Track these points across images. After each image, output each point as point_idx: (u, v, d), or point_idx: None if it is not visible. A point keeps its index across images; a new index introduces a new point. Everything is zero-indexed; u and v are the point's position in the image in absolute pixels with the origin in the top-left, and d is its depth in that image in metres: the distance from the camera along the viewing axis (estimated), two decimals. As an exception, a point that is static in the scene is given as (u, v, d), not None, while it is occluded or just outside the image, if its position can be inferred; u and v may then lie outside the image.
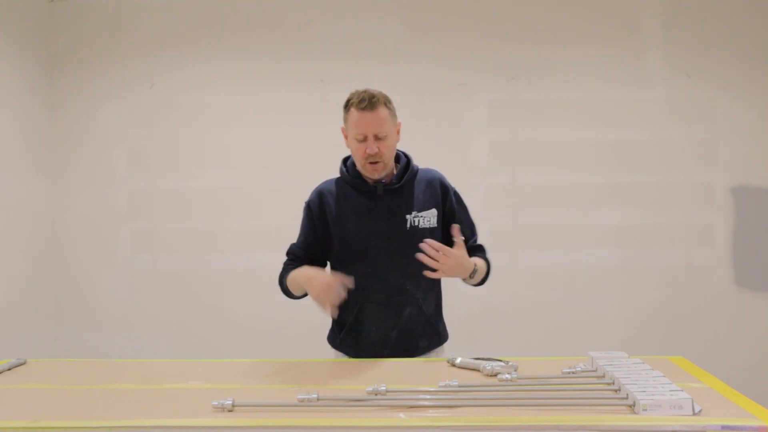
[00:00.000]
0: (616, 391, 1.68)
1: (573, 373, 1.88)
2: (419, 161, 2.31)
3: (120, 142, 3.85)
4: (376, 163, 2.13)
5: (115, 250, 3.85)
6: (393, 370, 2.02)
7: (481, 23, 3.75)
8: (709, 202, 3.71)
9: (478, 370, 1.94)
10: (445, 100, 3.73)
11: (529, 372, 1.90)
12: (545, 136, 3.75)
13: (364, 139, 2.11)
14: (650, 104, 3.72)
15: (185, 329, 3.81)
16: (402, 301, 2.16)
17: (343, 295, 2.04)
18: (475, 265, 2.13)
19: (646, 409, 1.52)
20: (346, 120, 2.16)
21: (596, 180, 3.73)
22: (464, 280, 2.17)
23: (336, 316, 2.20)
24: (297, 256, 2.31)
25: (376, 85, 3.74)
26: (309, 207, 2.29)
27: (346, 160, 2.30)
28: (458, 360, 2.02)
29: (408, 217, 2.18)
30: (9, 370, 2.11)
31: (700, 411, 1.53)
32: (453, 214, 2.24)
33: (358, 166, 2.20)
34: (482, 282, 2.26)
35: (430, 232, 2.17)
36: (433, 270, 2.01)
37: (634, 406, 1.56)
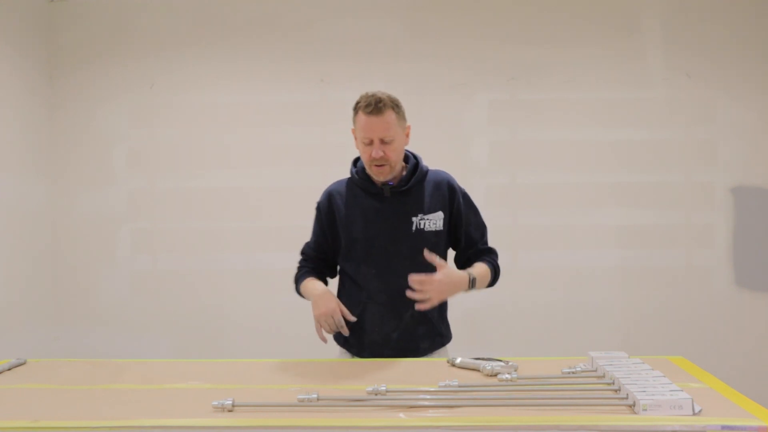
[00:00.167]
0: (616, 391, 1.68)
1: (573, 373, 1.88)
2: (419, 161, 2.31)
3: (120, 142, 3.85)
4: (381, 166, 2.15)
5: (115, 250, 3.85)
6: (393, 370, 2.02)
7: (481, 23, 3.75)
8: (709, 202, 3.71)
9: (478, 370, 1.94)
10: (445, 100, 3.73)
11: (529, 372, 1.90)
12: (545, 136, 3.75)
13: (371, 143, 2.12)
14: (650, 104, 3.72)
15: (185, 329, 3.81)
16: (404, 304, 2.15)
17: (345, 328, 2.15)
18: (470, 275, 2.13)
19: (646, 409, 1.52)
20: (354, 122, 2.18)
21: (596, 180, 3.73)
22: (467, 291, 2.17)
23: (326, 341, 2.24)
24: (309, 257, 2.38)
25: (376, 85, 3.75)
26: (319, 209, 2.33)
27: (356, 161, 2.31)
28: (458, 360, 2.02)
29: (414, 219, 2.19)
30: (9, 370, 2.11)
31: (700, 411, 1.53)
32: (460, 217, 2.24)
33: (366, 168, 2.22)
34: (492, 284, 2.27)
35: (435, 235, 2.19)
36: (423, 301, 2.04)
37: (634, 406, 1.56)
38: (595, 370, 1.88)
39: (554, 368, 1.93)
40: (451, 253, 2.35)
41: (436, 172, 2.29)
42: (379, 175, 2.17)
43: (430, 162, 2.35)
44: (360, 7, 3.78)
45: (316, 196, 3.82)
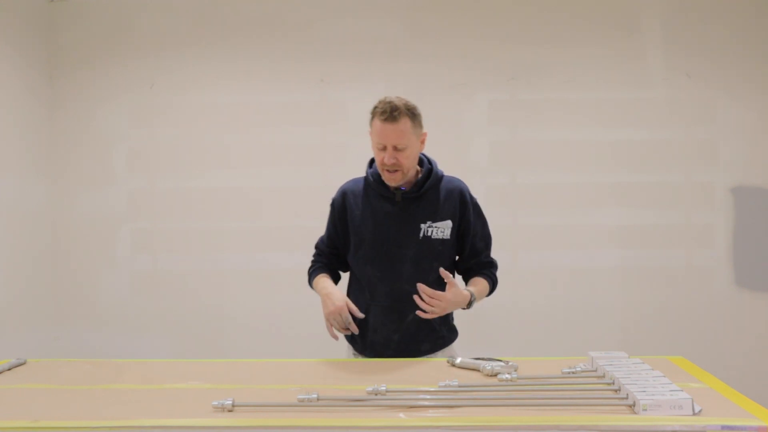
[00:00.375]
0: (616, 391, 1.68)
1: (573, 373, 1.88)
2: (419, 161, 2.31)
3: (120, 142, 3.85)
4: (394, 171, 2.17)
5: (115, 250, 3.85)
6: (393, 370, 2.03)
7: (481, 23, 3.75)
8: (709, 202, 3.71)
9: (478, 370, 1.94)
10: (445, 100, 3.73)
11: (529, 372, 1.90)
12: (545, 136, 3.75)
13: (384, 149, 2.15)
14: (650, 104, 3.72)
15: (185, 329, 3.81)
16: (406, 307, 2.18)
17: (354, 325, 2.17)
18: (471, 294, 2.19)
19: (646, 409, 1.52)
20: (370, 125, 2.20)
21: (596, 180, 3.73)
22: (465, 308, 2.22)
23: (336, 339, 2.27)
24: (323, 252, 2.41)
25: (376, 85, 3.78)
26: (333, 205, 2.36)
27: (372, 162, 2.32)
28: (458, 360, 2.03)
29: (422, 226, 2.22)
30: (9, 370, 2.11)
31: (700, 411, 1.53)
32: (468, 227, 2.27)
33: (379, 171, 2.24)
34: (488, 296, 2.32)
35: (441, 243, 2.22)
36: (426, 311, 2.10)
37: (634, 406, 1.56)
38: (595, 370, 1.88)
39: (554, 368, 1.93)
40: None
41: (450, 179, 2.30)
42: (390, 181, 2.20)
43: (430, 162, 2.35)
44: (360, 7, 3.78)
45: (316, 195, 3.81)
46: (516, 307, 3.72)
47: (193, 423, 1.56)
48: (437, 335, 2.28)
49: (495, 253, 2.38)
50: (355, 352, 2.34)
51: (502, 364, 1.92)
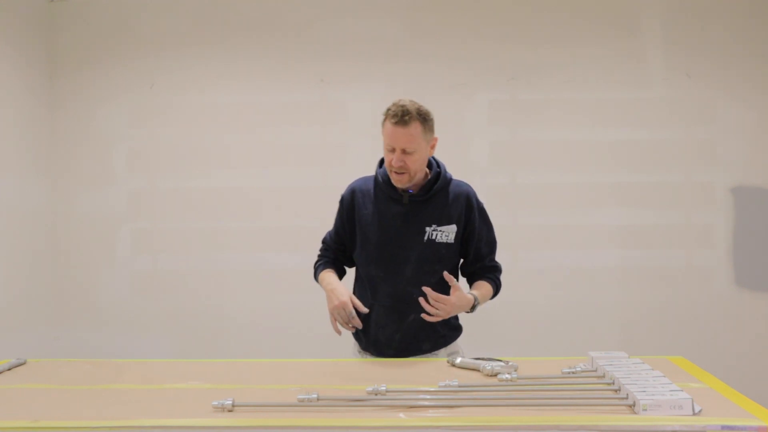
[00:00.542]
0: (616, 391, 1.68)
1: (573, 373, 1.88)
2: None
3: (120, 142, 3.84)
4: (401, 174, 2.19)
5: (115, 250, 3.85)
6: (393, 370, 2.03)
7: (481, 23, 3.75)
8: (709, 202, 3.71)
9: (478, 370, 1.94)
10: (445, 100, 3.73)
11: (529, 372, 1.90)
12: (545, 136, 3.74)
13: (393, 150, 2.17)
14: (650, 104, 3.72)
15: (185, 329, 3.81)
16: (407, 308, 2.22)
17: (357, 319, 2.19)
18: (475, 299, 2.21)
19: (646, 409, 1.52)
20: (382, 126, 2.21)
21: (596, 180, 3.73)
22: (469, 312, 2.24)
23: (340, 334, 2.28)
24: (329, 246, 2.44)
25: (376, 85, 3.78)
26: (342, 202, 2.38)
27: (382, 162, 2.33)
28: (458, 360, 2.03)
29: (427, 229, 2.24)
30: (9, 370, 2.11)
31: (700, 411, 1.53)
32: (473, 232, 2.29)
33: (387, 172, 2.26)
34: (491, 298, 2.35)
35: (445, 247, 2.24)
36: (430, 314, 2.12)
37: (634, 406, 1.56)
38: (595, 370, 1.88)
39: (554, 368, 1.93)
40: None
41: (458, 183, 2.32)
42: (397, 182, 2.22)
43: (430, 162, 2.35)
44: (360, 7, 3.78)
45: (316, 195, 3.83)
46: (516, 307, 3.72)
47: (193, 423, 1.56)
48: (438, 335, 2.29)
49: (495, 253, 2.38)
50: (360, 349, 2.37)
51: (502, 364, 1.92)
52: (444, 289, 2.15)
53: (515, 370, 1.89)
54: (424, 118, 2.16)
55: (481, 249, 2.31)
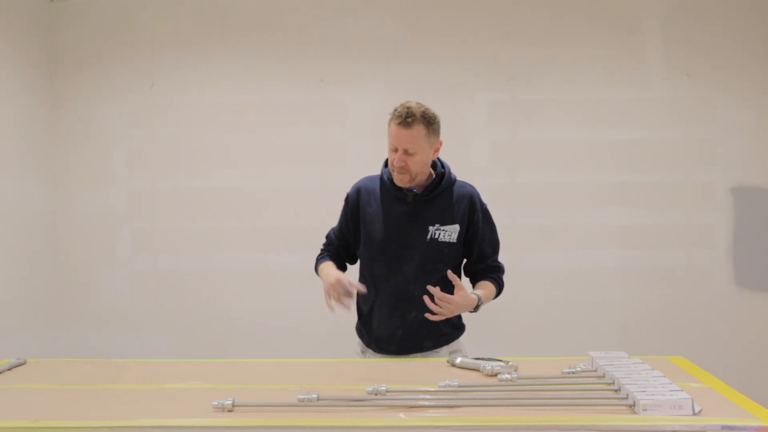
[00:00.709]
0: (616, 391, 1.68)
1: (573, 373, 1.88)
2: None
3: (120, 142, 3.84)
4: (403, 174, 2.22)
5: (115, 250, 3.85)
6: (393, 370, 2.03)
7: (481, 23, 3.75)
8: (709, 202, 3.71)
9: (478, 370, 1.94)
10: (445, 100, 3.72)
11: (529, 372, 1.90)
12: (545, 136, 3.74)
13: (396, 150, 2.20)
14: (650, 104, 3.72)
15: (185, 329, 3.81)
16: (409, 306, 2.25)
17: (353, 294, 2.18)
18: (479, 299, 2.23)
19: (646, 409, 1.52)
20: (388, 126, 2.23)
21: (596, 180, 3.73)
22: (472, 311, 2.26)
23: (333, 310, 2.26)
24: (332, 242, 2.48)
25: (376, 85, 3.78)
26: (347, 200, 2.41)
27: (387, 162, 2.36)
28: (458, 360, 2.03)
29: (430, 228, 2.27)
30: (9, 370, 2.11)
31: (700, 411, 1.53)
32: (476, 232, 2.31)
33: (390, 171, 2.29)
34: (494, 298, 2.36)
35: (447, 246, 2.27)
36: (434, 313, 2.13)
37: (634, 406, 1.56)
38: (595, 370, 1.88)
39: (554, 368, 1.93)
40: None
41: (462, 184, 2.35)
42: (398, 181, 2.25)
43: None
44: (360, 7, 3.78)
45: (316, 195, 3.83)
46: (516, 307, 3.71)
47: (193, 423, 1.56)
48: (439, 333, 2.31)
49: (495, 254, 2.38)
50: (363, 347, 2.39)
51: (502, 364, 1.92)
52: (446, 287, 2.16)
53: (515, 370, 1.89)
54: (428, 121, 2.19)
55: (484, 249, 2.34)
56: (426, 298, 2.10)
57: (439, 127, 2.24)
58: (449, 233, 2.27)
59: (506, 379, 1.81)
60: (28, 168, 3.66)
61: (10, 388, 1.91)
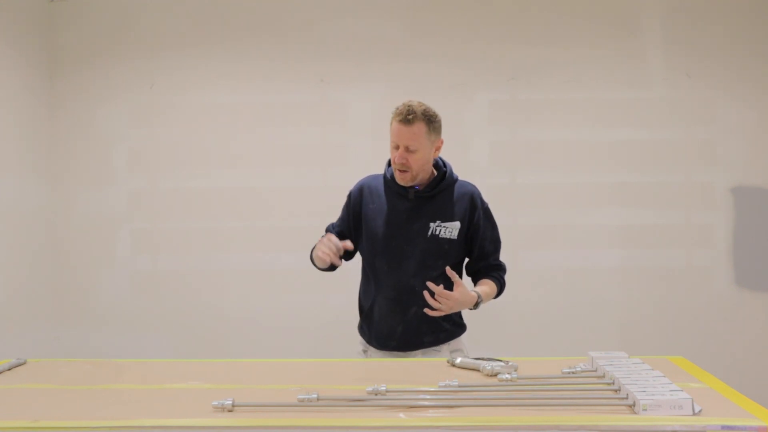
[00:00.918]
0: (616, 391, 1.68)
1: (573, 373, 1.88)
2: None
3: (120, 142, 3.84)
4: (404, 171, 2.25)
5: (115, 250, 3.85)
6: (393, 370, 2.03)
7: (481, 23, 3.75)
8: (709, 202, 3.71)
9: (478, 370, 1.94)
10: (445, 100, 3.71)
11: (529, 372, 1.90)
12: (545, 136, 3.74)
13: (397, 147, 2.23)
14: (650, 104, 3.72)
15: (185, 329, 3.81)
16: (409, 301, 2.28)
17: (341, 250, 2.19)
18: (479, 296, 2.25)
19: (646, 409, 1.52)
20: (390, 124, 2.26)
21: (596, 180, 3.73)
22: (472, 309, 2.27)
23: (324, 263, 2.26)
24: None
25: (376, 85, 3.78)
26: (349, 197, 2.45)
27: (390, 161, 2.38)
28: (458, 360, 2.03)
29: (431, 225, 2.30)
30: (9, 370, 2.11)
31: (700, 411, 1.53)
32: (477, 230, 2.34)
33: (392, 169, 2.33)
34: (495, 297, 2.38)
35: (448, 243, 2.30)
36: (434, 309, 2.15)
37: (634, 406, 1.56)
38: (595, 370, 1.88)
39: (554, 368, 1.93)
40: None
41: (464, 183, 2.38)
42: (400, 179, 2.28)
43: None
44: (360, 7, 3.78)
45: (316, 195, 3.83)
46: (516, 307, 3.72)
47: (193, 423, 1.56)
48: (440, 329, 2.33)
49: (495, 254, 2.39)
50: (365, 345, 2.41)
51: (502, 364, 1.92)
52: (446, 284, 2.18)
53: (515, 370, 1.89)
54: (429, 119, 2.22)
55: (485, 247, 2.36)
56: (425, 293, 2.12)
57: (440, 125, 2.26)
58: (450, 230, 2.29)
59: (506, 379, 1.81)
60: (28, 168, 3.66)
61: (10, 388, 1.91)
